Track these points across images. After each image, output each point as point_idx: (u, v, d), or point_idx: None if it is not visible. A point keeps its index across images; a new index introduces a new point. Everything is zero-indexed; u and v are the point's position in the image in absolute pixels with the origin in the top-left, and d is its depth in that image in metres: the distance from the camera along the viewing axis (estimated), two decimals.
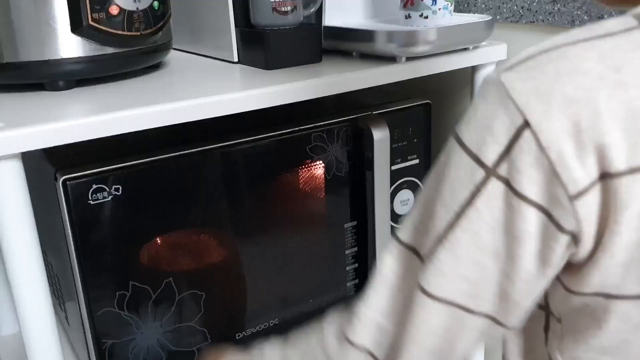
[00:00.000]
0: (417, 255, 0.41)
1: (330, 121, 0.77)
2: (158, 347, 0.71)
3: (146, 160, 0.66)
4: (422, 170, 0.86)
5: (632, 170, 0.33)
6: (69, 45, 0.64)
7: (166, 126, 0.77)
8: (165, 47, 0.74)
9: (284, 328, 0.81)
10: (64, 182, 0.62)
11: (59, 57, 0.64)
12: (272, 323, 0.79)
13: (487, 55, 0.79)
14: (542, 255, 0.36)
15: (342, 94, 0.96)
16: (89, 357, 0.69)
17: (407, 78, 0.72)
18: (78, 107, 0.62)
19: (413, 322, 0.40)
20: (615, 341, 0.40)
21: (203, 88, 0.65)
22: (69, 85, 0.66)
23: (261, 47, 0.70)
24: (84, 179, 0.63)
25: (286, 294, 0.80)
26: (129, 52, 0.69)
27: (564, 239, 0.35)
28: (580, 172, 0.33)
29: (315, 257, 0.81)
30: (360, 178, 0.80)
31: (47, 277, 0.57)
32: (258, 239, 0.76)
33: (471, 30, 0.75)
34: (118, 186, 0.64)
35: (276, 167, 0.75)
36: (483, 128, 0.35)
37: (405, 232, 0.43)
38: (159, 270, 0.69)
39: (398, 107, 0.83)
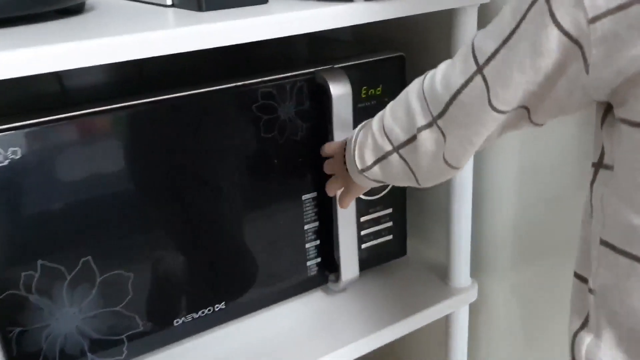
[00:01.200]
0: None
1: (280, 75, 0.66)
2: (78, 334, 0.62)
3: (52, 118, 0.56)
4: None
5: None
6: None
7: (79, 81, 0.67)
8: None
9: (232, 313, 0.72)
10: None
11: None
12: (217, 307, 0.70)
13: None
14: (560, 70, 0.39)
15: (304, 48, 0.86)
16: None
17: (369, 20, 0.60)
18: None
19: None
20: None
21: (124, 28, 0.55)
22: None
23: None
24: None
25: (234, 275, 0.70)
26: None
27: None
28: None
29: (268, 233, 0.71)
30: (320, 143, 0.70)
31: None
32: (197, 211, 0.66)
33: None
34: (15, 149, 0.54)
35: (217, 129, 0.64)
36: None
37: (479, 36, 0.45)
38: (74, 247, 0.59)
39: (366, 60, 0.72)
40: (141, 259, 0.63)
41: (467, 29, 0.69)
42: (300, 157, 0.70)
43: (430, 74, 0.49)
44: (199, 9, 0.59)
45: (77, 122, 0.57)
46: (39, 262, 0.58)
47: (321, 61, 0.70)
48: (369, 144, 0.56)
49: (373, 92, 0.73)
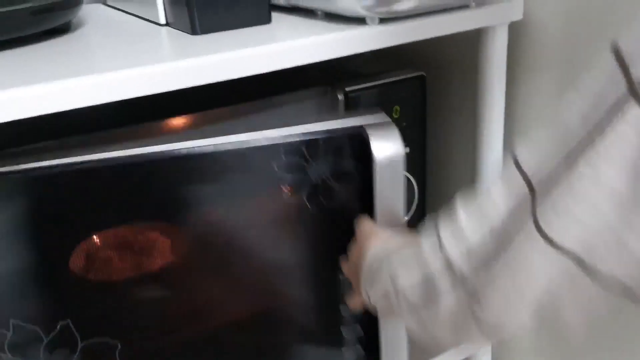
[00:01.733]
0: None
1: (312, 129, 0.53)
2: None
3: (21, 168, 0.49)
4: (414, 163, 0.67)
5: None
6: None
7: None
8: (66, 5, 0.56)
9: None
10: None
11: None
12: None
13: (496, 15, 0.59)
14: None
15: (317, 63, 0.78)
16: None
17: (384, 46, 0.53)
18: None
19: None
20: None
21: (107, 62, 0.48)
22: None
23: (185, 4, 0.51)
24: None
25: None
26: (12, 12, 0.51)
27: None
28: None
29: (296, 317, 0.61)
30: (361, 208, 0.56)
31: None
32: (206, 290, 0.57)
33: None
34: None
35: (227, 195, 0.54)
36: None
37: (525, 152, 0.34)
38: (50, 309, 0.52)
39: (382, 81, 0.64)
40: (132, 328, 0.55)
41: (497, 48, 0.62)
42: (335, 226, 0.57)
43: (443, 231, 0.39)
44: (193, 31, 0.52)
45: (63, 171, 0.49)
46: (11, 321, 0.51)
47: (335, 81, 0.62)
48: (378, 284, 0.45)
49: (389, 114, 0.65)
